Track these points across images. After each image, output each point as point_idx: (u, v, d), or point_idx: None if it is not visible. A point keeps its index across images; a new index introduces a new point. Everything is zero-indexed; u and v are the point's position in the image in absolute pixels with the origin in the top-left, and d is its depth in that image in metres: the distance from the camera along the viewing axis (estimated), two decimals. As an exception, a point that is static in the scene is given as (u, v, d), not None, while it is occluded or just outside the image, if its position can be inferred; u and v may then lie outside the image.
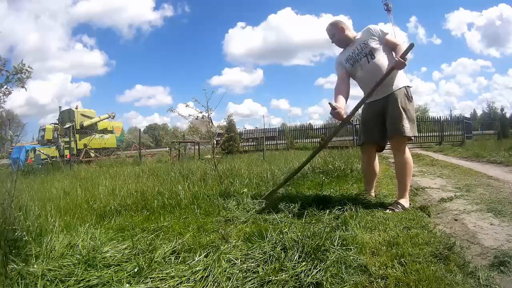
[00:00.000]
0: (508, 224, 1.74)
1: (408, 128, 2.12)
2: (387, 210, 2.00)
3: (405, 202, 2.13)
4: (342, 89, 2.33)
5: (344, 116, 2.19)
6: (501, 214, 1.94)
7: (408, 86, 2.23)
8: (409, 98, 2.20)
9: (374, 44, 2.23)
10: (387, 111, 2.20)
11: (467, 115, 17.18)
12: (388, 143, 2.42)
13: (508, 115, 21.93)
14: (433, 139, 13.86)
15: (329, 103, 2.15)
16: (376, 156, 2.50)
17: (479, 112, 50.94)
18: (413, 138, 2.20)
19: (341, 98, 2.26)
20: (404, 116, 2.13)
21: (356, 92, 2.54)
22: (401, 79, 2.21)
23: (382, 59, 2.22)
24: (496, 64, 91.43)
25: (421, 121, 16.55)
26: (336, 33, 2.40)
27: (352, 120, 2.54)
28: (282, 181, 2.60)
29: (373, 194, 2.48)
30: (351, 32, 2.39)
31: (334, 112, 2.14)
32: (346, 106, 2.26)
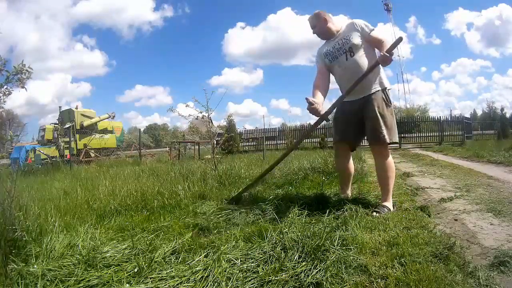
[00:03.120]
0: (508, 224, 1.74)
1: (387, 136, 2.06)
2: (374, 213, 1.92)
3: (390, 204, 2.08)
4: (321, 84, 2.23)
5: (322, 113, 2.06)
6: (501, 214, 1.94)
7: (387, 89, 2.15)
8: (387, 102, 2.12)
9: (356, 40, 2.10)
10: (364, 114, 2.12)
11: (467, 115, 17.20)
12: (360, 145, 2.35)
13: (508, 115, 21.88)
14: (433, 139, 13.83)
15: (306, 98, 2.03)
16: (350, 155, 2.42)
17: (479, 112, 50.84)
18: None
19: (319, 94, 2.15)
20: (382, 122, 2.06)
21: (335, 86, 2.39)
22: (380, 81, 2.13)
23: (362, 57, 2.10)
24: (495, 64, 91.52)
25: (421, 121, 16.57)
26: (318, 24, 2.27)
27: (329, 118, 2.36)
28: (252, 182, 2.63)
29: (348, 193, 2.41)
30: (334, 25, 2.25)
31: (311, 108, 2.01)
32: (324, 102, 2.16)
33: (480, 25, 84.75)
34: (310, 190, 2.77)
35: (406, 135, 14.45)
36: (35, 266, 1.25)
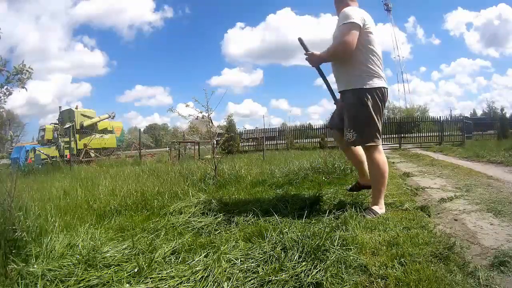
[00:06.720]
0: (508, 224, 1.74)
1: (352, 139, 1.99)
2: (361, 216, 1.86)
3: (378, 209, 1.99)
4: None
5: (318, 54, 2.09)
6: (501, 214, 1.93)
7: (363, 88, 1.95)
8: (363, 102, 1.95)
9: (335, 32, 2.07)
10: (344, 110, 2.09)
11: (467, 115, 17.20)
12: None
13: (508, 115, 21.86)
14: (433, 139, 13.85)
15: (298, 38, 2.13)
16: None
17: (479, 112, 50.77)
18: (379, 142, 2.02)
19: None
20: (351, 124, 1.99)
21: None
22: (355, 78, 1.98)
23: None
24: (495, 64, 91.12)
25: (421, 121, 16.56)
26: (337, 8, 2.18)
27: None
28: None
29: (364, 181, 2.29)
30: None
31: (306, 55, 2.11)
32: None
33: (479, 25, 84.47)
34: (310, 190, 2.77)
35: (406, 135, 14.46)
36: (35, 266, 1.25)
